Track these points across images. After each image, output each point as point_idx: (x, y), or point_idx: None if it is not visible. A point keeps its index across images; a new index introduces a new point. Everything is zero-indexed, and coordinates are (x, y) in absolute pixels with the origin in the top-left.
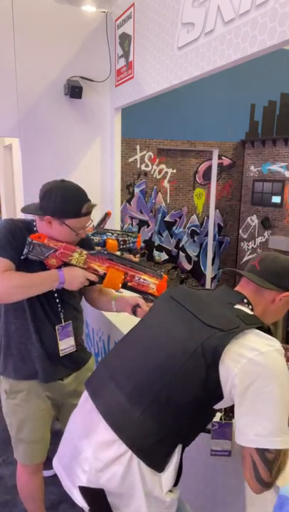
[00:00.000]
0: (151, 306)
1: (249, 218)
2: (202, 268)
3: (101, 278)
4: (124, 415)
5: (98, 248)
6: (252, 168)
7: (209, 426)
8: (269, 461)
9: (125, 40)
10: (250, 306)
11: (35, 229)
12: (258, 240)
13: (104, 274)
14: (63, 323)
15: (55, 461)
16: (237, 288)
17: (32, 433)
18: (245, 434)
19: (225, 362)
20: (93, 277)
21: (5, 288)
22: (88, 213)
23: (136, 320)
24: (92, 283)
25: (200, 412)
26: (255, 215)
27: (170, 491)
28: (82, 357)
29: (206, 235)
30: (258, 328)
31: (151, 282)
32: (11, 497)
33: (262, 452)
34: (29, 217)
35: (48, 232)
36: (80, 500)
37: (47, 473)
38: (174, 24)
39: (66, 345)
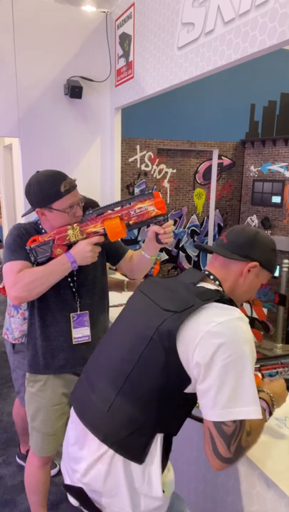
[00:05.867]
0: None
1: (249, 218)
2: (202, 268)
3: (105, 235)
4: (95, 412)
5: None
6: (252, 168)
7: (194, 411)
8: (226, 435)
9: (125, 40)
10: (217, 282)
11: (40, 226)
12: None
13: (104, 229)
14: (78, 312)
15: (62, 463)
16: (206, 266)
17: (44, 424)
18: (205, 407)
19: (182, 342)
20: (97, 238)
21: (22, 288)
22: (70, 190)
23: None
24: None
25: (171, 398)
26: (255, 215)
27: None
28: None
29: (206, 235)
30: (218, 300)
31: (147, 206)
32: (10, 497)
33: (218, 425)
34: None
35: (49, 224)
36: (70, 498)
37: None
38: (174, 24)
39: (80, 334)
